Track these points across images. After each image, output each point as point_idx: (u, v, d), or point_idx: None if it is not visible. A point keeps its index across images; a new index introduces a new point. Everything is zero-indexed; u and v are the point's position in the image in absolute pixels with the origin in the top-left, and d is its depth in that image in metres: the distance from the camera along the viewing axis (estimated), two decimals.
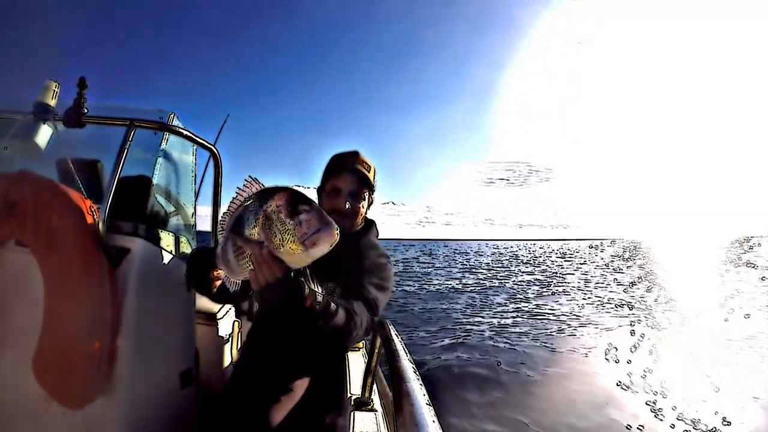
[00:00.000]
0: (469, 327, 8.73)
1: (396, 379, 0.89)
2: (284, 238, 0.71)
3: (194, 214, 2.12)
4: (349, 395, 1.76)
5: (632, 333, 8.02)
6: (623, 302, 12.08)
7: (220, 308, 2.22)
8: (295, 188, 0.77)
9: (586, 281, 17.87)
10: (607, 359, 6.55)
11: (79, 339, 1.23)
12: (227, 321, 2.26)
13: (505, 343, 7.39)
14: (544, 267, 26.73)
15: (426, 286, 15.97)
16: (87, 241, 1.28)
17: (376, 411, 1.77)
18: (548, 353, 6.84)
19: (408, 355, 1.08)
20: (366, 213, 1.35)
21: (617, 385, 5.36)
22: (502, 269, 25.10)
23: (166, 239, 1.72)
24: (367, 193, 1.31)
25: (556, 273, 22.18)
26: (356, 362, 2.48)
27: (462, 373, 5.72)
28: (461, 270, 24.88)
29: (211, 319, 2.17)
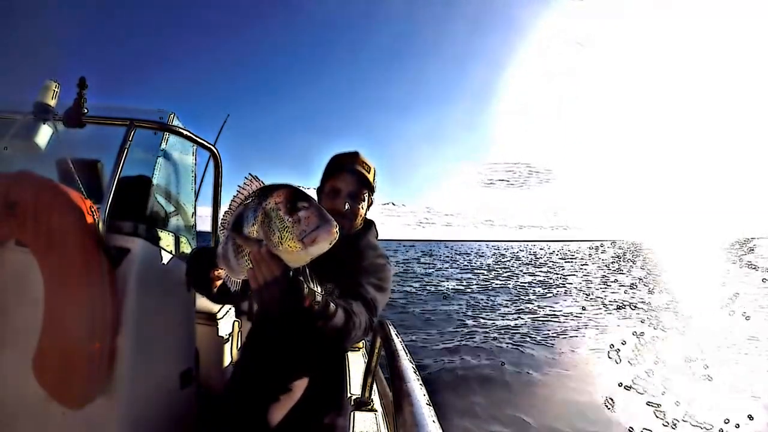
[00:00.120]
0: (472, 328, 8.73)
1: (396, 379, 0.89)
2: (283, 236, 0.70)
3: (194, 214, 2.12)
4: (349, 395, 1.76)
5: (634, 334, 8.01)
6: (625, 303, 12.08)
7: (220, 308, 2.22)
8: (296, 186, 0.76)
9: (588, 282, 17.87)
10: (609, 358, 6.55)
11: (79, 339, 1.23)
12: (227, 321, 2.26)
13: (509, 344, 7.40)
14: (545, 268, 26.72)
15: (428, 287, 15.96)
16: (87, 241, 1.28)
17: (376, 411, 1.77)
18: (551, 354, 6.84)
19: (408, 355, 1.08)
20: (366, 214, 1.35)
21: (619, 385, 5.36)
22: (504, 270, 25.10)
23: (166, 239, 1.72)
24: (367, 194, 1.31)
25: (558, 274, 22.17)
26: (356, 362, 2.47)
27: (466, 374, 5.73)
28: (463, 271, 24.88)
29: (211, 319, 2.17)
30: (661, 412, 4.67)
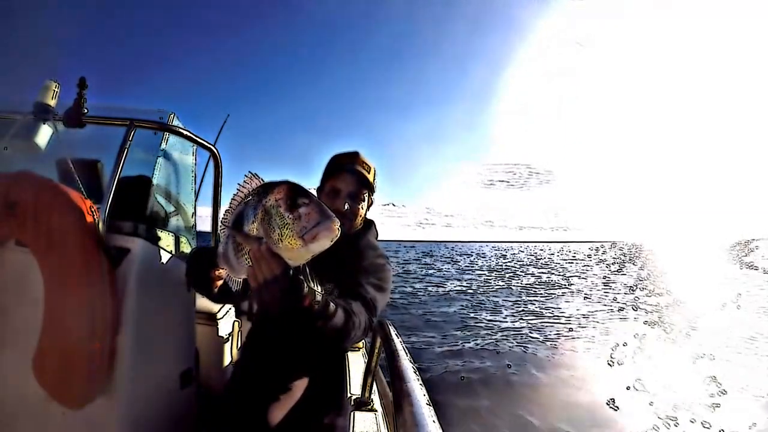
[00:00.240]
0: (474, 329, 8.73)
1: (396, 379, 0.89)
2: (283, 233, 0.69)
3: (194, 214, 2.12)
4: (349, 395, 1.76)
5: (636, 337, 8.01)
6: (627, 304, 12.08)
7: (220, 308, 2.22)
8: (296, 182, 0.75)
9: (589, 283, 17.85)
10: (611, 359, 6.55)
11: (79, 339, 1.23)
12: (227, 321, 2.26)
13: (512, 345, 7.39)
14: (546, 269, 26.70)
15: (429, 288, 15.95)
16: (87, 241, 1.28)
17: (376, 411, 1.77)
18: (553, 355, 6.84)
19: (408, 355, 1.08)
20: (366, 214, 1.34)
21: (627, 389, 5.36)
22: (506, 271, 25.07)
23: (166, 239, 1.72)
24: (367, 194, 1.30)
25: (561, 275, 22.16)
26: (356, 362, 2.47)
27: (470, 376, 5.73)
28: (464, 271, 24.86)
29: (211, 319, 2.17)
30: (663, 412, 4.67)
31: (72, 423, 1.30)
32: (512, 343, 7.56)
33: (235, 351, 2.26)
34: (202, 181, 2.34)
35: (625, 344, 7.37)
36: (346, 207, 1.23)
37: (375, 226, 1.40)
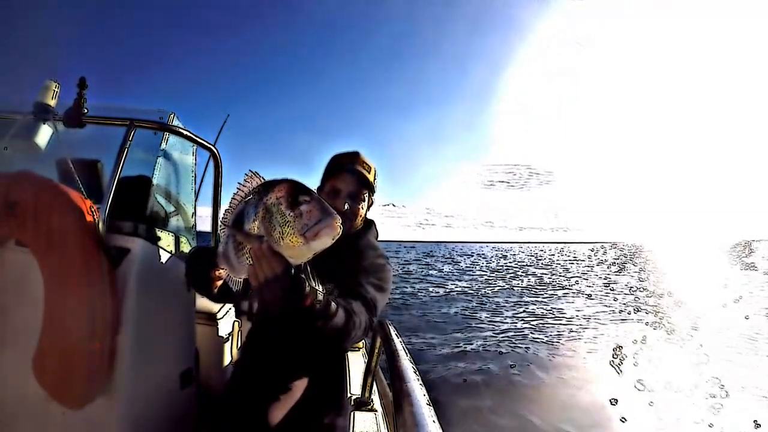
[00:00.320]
0: (475, 330, 8.72)
1: (396, 379, 0.89)
2: (284, 231, 0.68)
3: (194, 214, 2.12)
4: (349, 395, 1.76)
5: (635, 341, 7.99)
6: (628, 305, 12.07)
7: (220, 308, 2.22)
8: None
9: (590, 284, 17.83)
10: (613, 359, 6.54)
11: (79, 339, 1.23)
12: (227, 321, 2.26)
13: (514, 346, 7.39)
14: (547, 270, 26.67)
15: (430, 289, 15.93)
16: (87, 241, 1.28)
17: (376, 411, 1.77)
18: (554, 356, 6.83)
19: (408, 355, 1.08)
20: (366, 214, 1.34)
21: (623, 387, 5.35)
22: (507, 271, 25.05)
23: (166, 239, 1.72)
24: (367, 194, 1.30)
25: (562, 276, 22.14)
26: (356, 362, 2.47)
27: (472, 376, 5.73)
28: (465, 272, 24.84)
29: (211, 319, 2.17)
30: (665, 413, 4.66)
31: (72, 423, 1.30)
32: (514, 343, 7.55)
33: (235, 351, 2.26)
34: (202, 181, 2.35)
35: (627, 345, 7.37)
36: (346, 207, 1.22)
37: (375, 226, 1.40)
